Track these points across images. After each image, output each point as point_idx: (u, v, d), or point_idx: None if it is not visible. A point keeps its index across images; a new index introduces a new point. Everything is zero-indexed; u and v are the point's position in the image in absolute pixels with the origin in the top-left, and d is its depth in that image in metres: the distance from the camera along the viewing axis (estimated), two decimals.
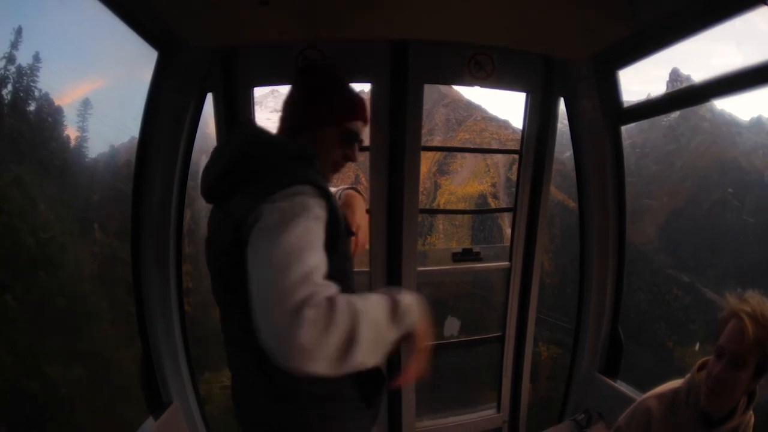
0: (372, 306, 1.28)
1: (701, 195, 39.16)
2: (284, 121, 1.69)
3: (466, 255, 2.99)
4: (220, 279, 1.56)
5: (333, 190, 2.02)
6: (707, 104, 43.94)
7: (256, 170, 1.43)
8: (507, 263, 3.09)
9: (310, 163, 1.51)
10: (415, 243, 2.80)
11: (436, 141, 37.86)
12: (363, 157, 2.01)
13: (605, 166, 2.99)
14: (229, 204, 1.46)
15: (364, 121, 1.74)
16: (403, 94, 2.63)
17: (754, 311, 1.77)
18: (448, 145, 39.19)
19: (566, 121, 3.06)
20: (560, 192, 31.38)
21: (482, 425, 3.21)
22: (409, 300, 1.36)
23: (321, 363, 1.16)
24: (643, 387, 2.25)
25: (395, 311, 1.31)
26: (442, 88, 39.85)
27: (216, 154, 1.60)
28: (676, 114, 42.73)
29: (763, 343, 1.75)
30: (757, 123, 42.79)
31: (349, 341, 1.18)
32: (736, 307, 1.82)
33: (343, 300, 1.20)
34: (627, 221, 3.09)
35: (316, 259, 1.26)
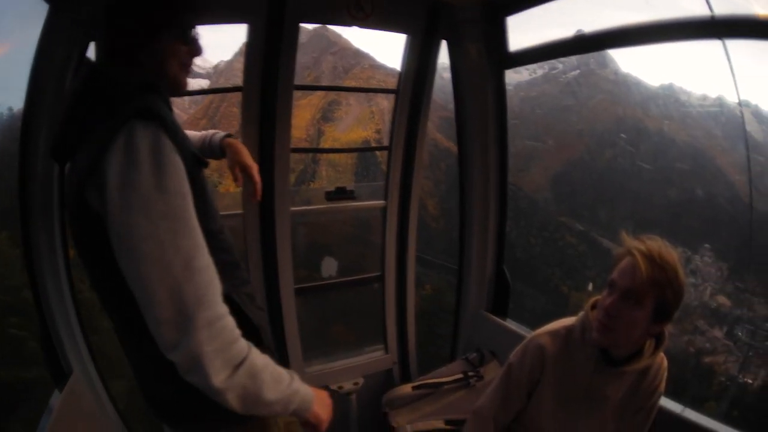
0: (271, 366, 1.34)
1: (598, 150, 40.86)
2: (112, 43, 1.44)
3: (339, 194, 2.94)
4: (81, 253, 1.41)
5: (197, 134, 1.96)
6: (612, 65, 45.71)
7: (94, 111, 1.28)
8: (382, 202, 3.07)
9: (155, 90, 1.35)
10: (288, 182, 2.73)
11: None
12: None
13: (487, 110, 3.00)
14: (74, 162, 1.31)
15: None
16: (279, 34, 2.50)
17: (650, 251, 1.78)
18: (333, 94, 38.71)
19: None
20: (447, 139, 32.04)
21: (372, 367, 3.21)
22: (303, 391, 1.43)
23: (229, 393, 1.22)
24: (537, 327, 2.21)
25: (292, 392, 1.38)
26: (331, 35, 39.38)
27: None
28: (576, 72, 44.14)
29: (661, 285, 1.76)
30: (668, 89, 44.83)
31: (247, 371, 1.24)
32: (631, 246, 1.83)
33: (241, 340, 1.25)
34: (509, 164, 3.13)
35: (200, 252, 1.22)
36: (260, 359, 1.30)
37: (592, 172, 39.30)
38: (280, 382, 1.35)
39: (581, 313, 2.02)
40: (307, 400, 1.46)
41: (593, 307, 1.97)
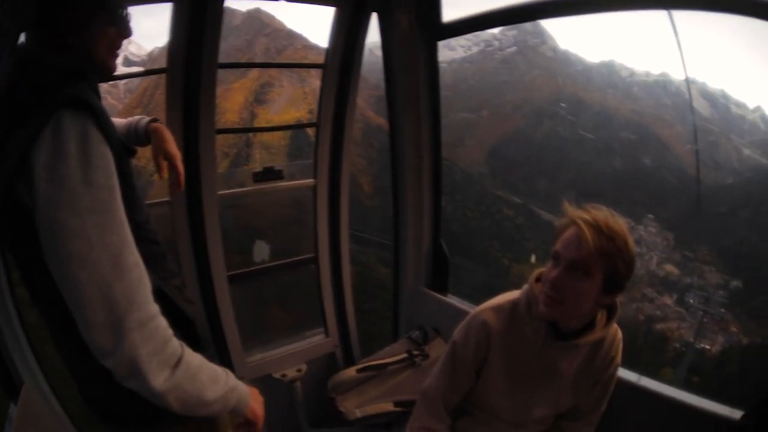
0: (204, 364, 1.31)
1: (535, 123, 41.56)
2: (41, 29, 1.34)
3: (267, 174, 2.83)
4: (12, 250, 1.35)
5: (123, 121, 1.87)
6: (551, 42, 46.48)
7: (22, 100, 1.21)
8: (312, 180, 3.00)
9: (84, 76, 1.28)
10: (214, 165, 2.62)
11: (255, 71, 36.95)
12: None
13: (419, 83, 2.94)
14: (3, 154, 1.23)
15: None
16: (203, 13, 2.37)
17: (595, 220, 1.73)
18: (266, 76, 38.45)
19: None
20: (378, 116, 32.15)
21: (314, 352, 3.15)
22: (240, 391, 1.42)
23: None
24: (480, 302, 2.18)
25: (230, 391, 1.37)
26: (265, 17, 38.91)
27: None
28: (512, 48, 44.66)
29: (610, 255, 1.71)
30: (608, 65, 45.75)
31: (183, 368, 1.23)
32: (574, 215, 1.78)
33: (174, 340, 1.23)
34: (443, 138, 3.08)
35: (128, 249, 1.19)
36: (195, 358, 1.28)
37: (529, 145, 40.02)
38: (217, 381, 1.33)
39: (525, 287, 1.98)
40: (244, 396, 1.44)
41: (538, 279, 1.93)
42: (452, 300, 3.13)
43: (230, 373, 1.40)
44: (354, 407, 2.68)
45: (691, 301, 29.53)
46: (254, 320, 3.02)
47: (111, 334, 1.13)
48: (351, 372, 2.78)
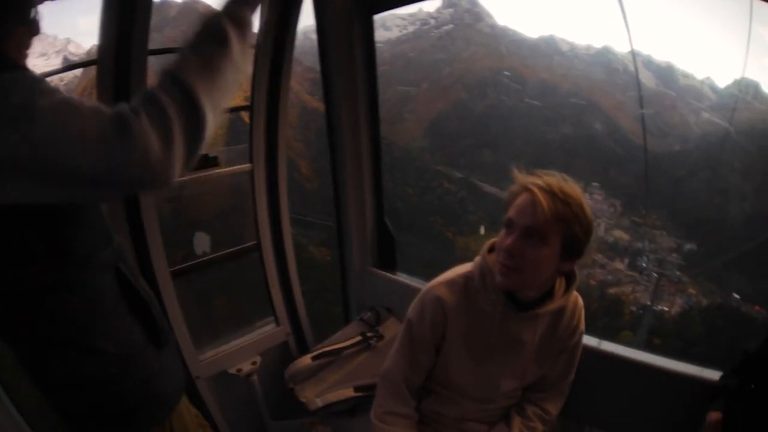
0: (197, 60, 1.18)
1: (472, 97, 41.86)
2: None
3: (203, 162, 2.70)
4: None
5: None
6: (488, 20, 46.83)
7: None
8: (249, 165, 2.90)
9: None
10: None
11: None
12: None
13: (355, 59, 2.89)
14: None
15: None
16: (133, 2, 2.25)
17: (549, 186, 1.70)
18: None
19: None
20: (314, 99, 32.05)
21: (266, 342, 3.08)
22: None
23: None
24: (428, 278, 2.17)
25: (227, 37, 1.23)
26: (201, 7, 38.56)
27: None
28: (449, 26, 44.83)
29: (566, 220, 1.69)
30: (548, 40, 46.20)
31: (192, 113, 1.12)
32: (526, 181, 1.74)
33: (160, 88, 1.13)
34: (380, 114, 3.04)
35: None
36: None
37: (468, 119, 40.36)
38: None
39: (477, 258, 1.95)
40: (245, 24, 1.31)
41: (490, 250, 1.89)
42: (402, 278, 3.11)
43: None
44: (314, 396, 2.63)
45: (644, 264, 30.09)
46: (202, 316, 2.93)
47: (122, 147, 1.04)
48: (306, 360, 2.73)
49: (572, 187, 1.73)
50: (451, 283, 1.97)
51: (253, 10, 1.32)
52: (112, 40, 2.28)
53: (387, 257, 3.24)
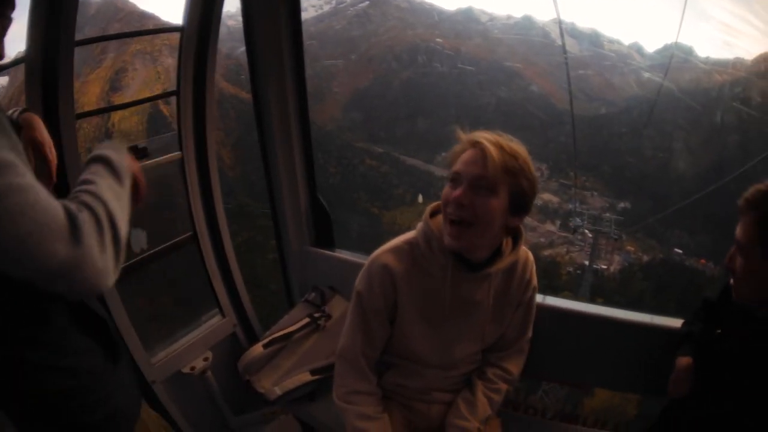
0: (103, 183, 1.20)
1: (390, 74, 41.90)
2: None
3: (131, 153, 2.61)
4: None
5: None
6: None
7: None
8: (179, 153, 2.82)
9: None
10: (78, 154, 2.37)
11: (110, 57, 35.73)
12: None
13: (281, 37, 2.86)
14: None
15: None
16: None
17: (496, 139, 1.72)
18: (120, 62, 36.92)
19: (239, 18, 2.89)
20: (232, 86, 31.67)
21: (215, 336, 3.03)
22: (110, 152, 1.31)
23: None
24: (368, 252, 2.14)
25: (117, 174, 1.26)
26: (119, 3, 37.47)
27: None
28: (365, 3, 44.59)
29: (514, 173, 1.71)
30: (466, 12, 46.29)
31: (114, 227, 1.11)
32: (474, 136, 1.75)
33: (86, 196, 1.13)
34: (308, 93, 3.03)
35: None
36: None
37: (386, 95, 40.53)
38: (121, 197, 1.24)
39: (420, 224, 1.95)
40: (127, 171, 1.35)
41: (432, 215, 1.90)
42: (342, 254, 3.11)
43: (123, 185, 1.29)
44: (272, 385, 2.61)
45: (578, 221, 30.68)
46: (148, 317, 2.85)
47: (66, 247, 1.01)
48: (258, 349, 2.69)
49: (517, 143, 1.77)
50: (396, 251, 1.96)
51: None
52: (40, 38, 2.19)
53: (324, 235, 3.23)
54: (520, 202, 1.76)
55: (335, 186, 33.98)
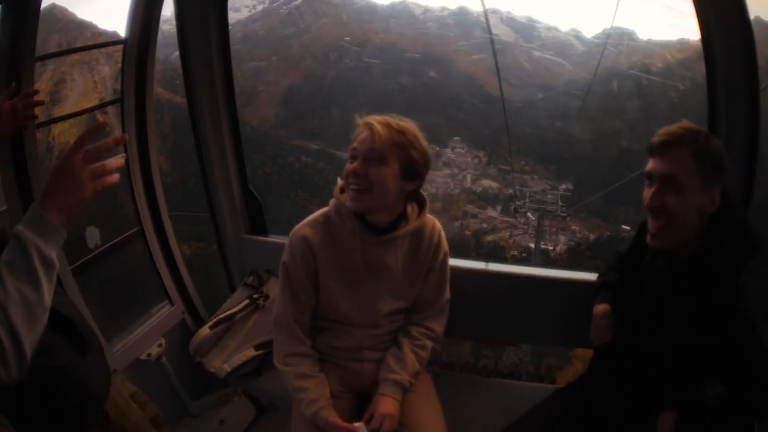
0: (11, 289, 1.22)
1: (322, 70, 41.33)
2: None
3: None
4: None
5: None
6: None
7: None
8: (123, 155, 2.89)
9: None
10: (37, 161, 2.50)
11: (49, 70, 33.97)
12: None
13: (211, 44, 3.03)
14: None
15: None
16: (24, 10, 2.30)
17: (385, 119, 2.01)
18: (59, 73, 35.36)
19: (173, 23, 3.00)
20: (167, 91, 30.79)
21: (166, 324, 3.20)
22: (36, 239, 1.28)
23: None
24: None
25: (33, 268, 1.26)
26: (58, 12, 35.78)
27: None
28: (298, 1, 43.81)
29: (402, 146, 1.99)
30: (400, 5, 45.74)
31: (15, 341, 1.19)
32: (365, 119, 2.03)
33: None
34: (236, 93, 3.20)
35: None
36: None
37: (319, 91, 40.01)
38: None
39: (332, 200, 2.18)
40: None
41: (341, 191, 2.14)
42: (274, 239, 3.29)
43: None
44: (221, 363, 2.78)
45: (520, 203, 30.37)
46: (104, 308, 2.97)
47: None
48: (205, 330, 2.85)
49: (407, 122, 2.06)
50: (313, 224, 2.21)
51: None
52: (5, 47, 2.31)
53: (257, 222, 3.40)
54: (411, 170, 2.05)
55: (272, 185, 33.27)
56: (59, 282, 2.17)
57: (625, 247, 2.21)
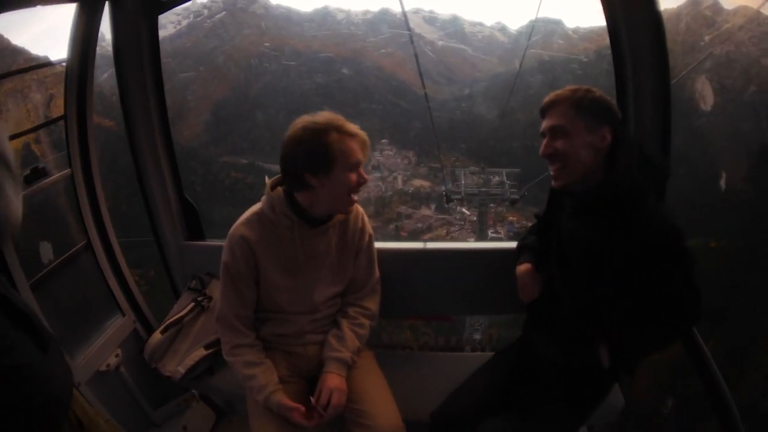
0: None
1: (247, 81, 40.84)
2: None
3: (35, 174, 2.82)
4: None
5: None
6: (262, 1, 45.35)
7: None
8: (69, 170, 3.07)
9: None
10: None
11: None
12: None
13: (143, 60, 3.14)
14: None
15: None
16: None
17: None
18: None
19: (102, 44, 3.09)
20: (98, 116, 29.96)
21: (120, 334, 3.25)
22: None
23: None
24: None
25: None
26: None
27: None
28: (222, 14, 43.17)
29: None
30: (322, 11, 45.34)
31: None
32: (352, 133, 2.15)
33: None
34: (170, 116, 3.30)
35: None
36: None
37: (245, 105, 39.62)
38: None
39: (264, 197, 2.31)
40: None
41: (273, 187, 2.27)
42: (212, 242, 3.40)
43: None
44: (176, 366, 2.86)
45: (454, 200, 29.87)
46: (62, 322, 2.94)
47: None
48: (157, 336, 2.94)
49: (294, 125, 2.15)
50: (248, 222, 2.30)
51: None
52: None
53: (195, 228, 3.49)
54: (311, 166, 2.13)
55: (203, 202, 32.47)
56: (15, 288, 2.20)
57: (541, 208, 2.32)
